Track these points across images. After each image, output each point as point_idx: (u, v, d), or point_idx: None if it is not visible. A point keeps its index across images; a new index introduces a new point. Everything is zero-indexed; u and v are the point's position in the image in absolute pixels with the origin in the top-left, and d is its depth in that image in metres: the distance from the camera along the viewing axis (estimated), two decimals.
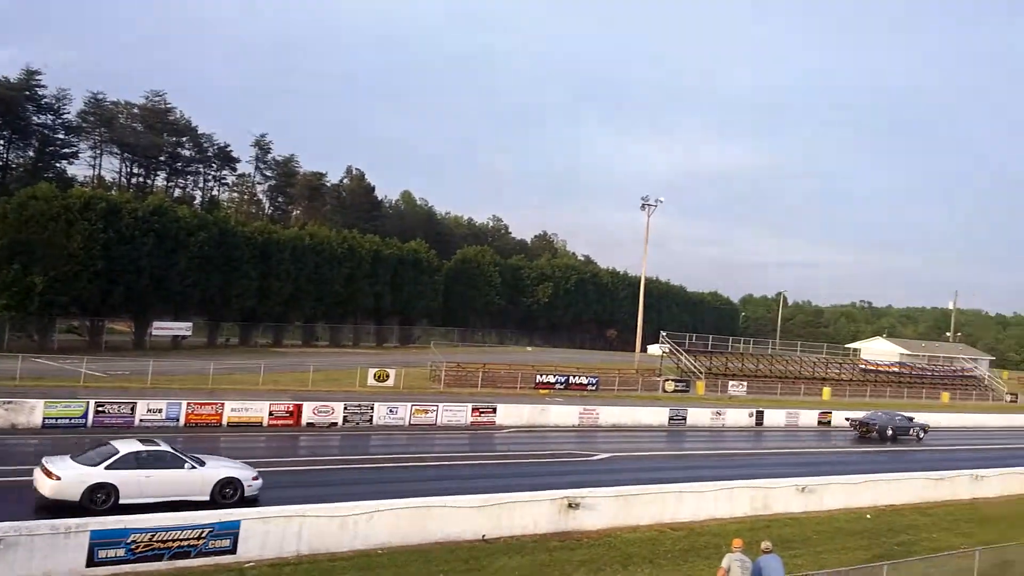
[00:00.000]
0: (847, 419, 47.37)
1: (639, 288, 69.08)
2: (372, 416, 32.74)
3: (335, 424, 31.77)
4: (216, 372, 39.49)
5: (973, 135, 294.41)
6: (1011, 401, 78.29)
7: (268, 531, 15.40)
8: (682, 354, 65.02)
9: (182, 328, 60.17)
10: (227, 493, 18.59)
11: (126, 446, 18.13)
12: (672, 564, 17.30)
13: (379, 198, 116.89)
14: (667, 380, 56.96)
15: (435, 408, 34.58)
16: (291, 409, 31.16)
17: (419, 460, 26.70)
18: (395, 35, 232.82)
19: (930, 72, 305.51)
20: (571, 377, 52.06)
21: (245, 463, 20.13)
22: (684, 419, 42.03)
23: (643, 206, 64.14)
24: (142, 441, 18.98)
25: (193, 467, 18.47)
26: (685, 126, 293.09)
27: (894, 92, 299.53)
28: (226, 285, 63.40)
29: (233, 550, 14.95)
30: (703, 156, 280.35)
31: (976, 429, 55.01)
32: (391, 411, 33.25)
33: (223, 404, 29.89)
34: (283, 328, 71.83)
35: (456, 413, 35.03)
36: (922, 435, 45.16)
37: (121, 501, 17.21)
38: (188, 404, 29.15)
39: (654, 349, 74.11)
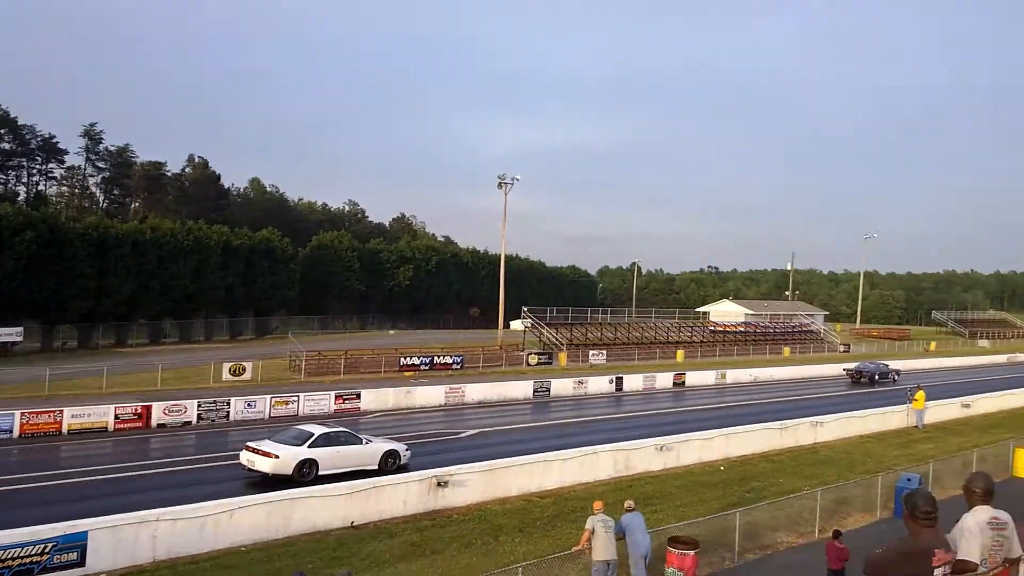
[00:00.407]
0: (844, 369, 58.29)
1: (500, 266, 69.74)
2: (229, 412, 31.35)
3: (189, 423, 30.25)
4: (53, 378, 36.71)
5: (806, 107, 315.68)
6: (844, 351, 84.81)
7: (119, 540, 14.47)
8: (544, 328, 66.34)
9: (12, 334, 55.35)
10: (390, 462, 22.61)
11: (317, 428, 22.35)
12: (541, 531, 17.65)
13: (226, 186, 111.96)
14: (530, 354, 57.94)
15: (296, 398, 33.58)
16: (139, 411, 29.34)
17: None
18: (229, 11, 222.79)
19: (768, 49, 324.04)
20: (436, 357, 51.98)
21: (390, 438, 24.55)
22: (548, 390, 42.91)
23: (500, 184, 64.57)
24: (321, 424, 23.65)
25: (369, 442, 22.77)
26: (540, 105, 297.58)
27: (735, 68, 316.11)
28: (60, 286, 59.03)
29: (82, 562, 13.96)
30: (557, 134, 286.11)
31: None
32: (249, 405, 32.00)
33: (62, 411, 27.71)
34: (126, 327, 67.55)
35: (319, 402, 34.18)
36: (896, 377, 55.74)
37: (320, 473, 21.03)
38: (22, 414, 26.84)
39: (517, 324, 75.11)
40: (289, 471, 20.56)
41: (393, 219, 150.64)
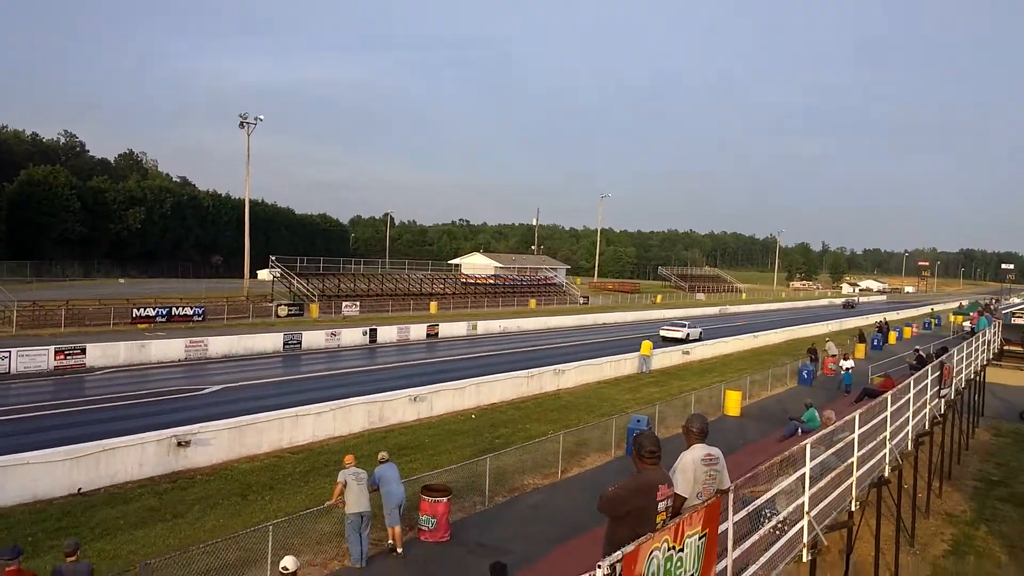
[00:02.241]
0: (841, 303, 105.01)
1: (244, 211, 66.15)
2: None
3: None
4: None
5: (550, 68, 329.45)
6: (584, 303, 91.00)
7: None
8: (294, 278, 64.25)
9: None
10: (701, 335, 52.70)
11: (684, 320, 56.70)
12: (293, 487, 17.28)
13: None
14: (280, 305, 55.97)
15: (7, 355, 29.79)
16: None
17: None
18: None
19: (524, 13, 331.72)
20: (174, 308, 48.50)
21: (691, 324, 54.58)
22: (300, 343, 41.75)
23: (242, 124, 60.02)
24: (680, 318, 61.38)
25: (692, 326, 54.31)
26: (285, 37, 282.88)
27: (493, 28, 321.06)
28: None
29: None
30: (305, 72, 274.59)
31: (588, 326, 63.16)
32: None
33: None
34: None
35: (35, 358, 30.57)
36: (857, 304, 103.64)
37: (689, 338, 51.65)
38: None
39: (264, 274, 72.05)
40: (685, 336, 50.74)
41: (119, 155, 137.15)
